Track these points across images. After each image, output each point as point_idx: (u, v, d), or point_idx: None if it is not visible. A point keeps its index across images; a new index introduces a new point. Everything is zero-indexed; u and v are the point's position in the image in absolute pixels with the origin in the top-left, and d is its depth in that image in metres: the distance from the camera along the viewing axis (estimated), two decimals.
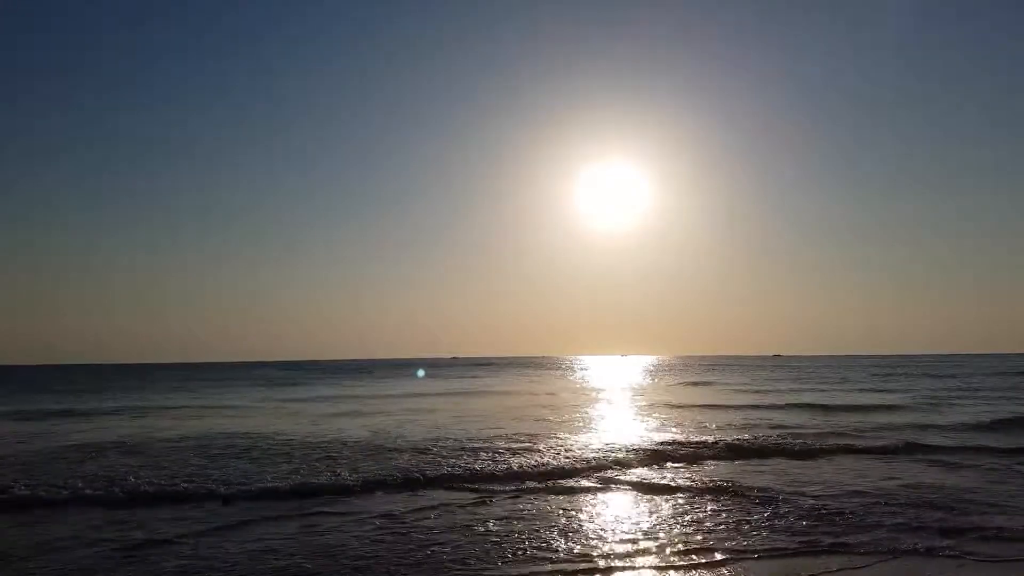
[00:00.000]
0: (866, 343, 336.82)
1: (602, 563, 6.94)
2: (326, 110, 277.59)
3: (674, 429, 18.52)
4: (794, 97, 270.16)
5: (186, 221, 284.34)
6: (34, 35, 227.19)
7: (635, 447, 14.55)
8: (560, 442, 15.65)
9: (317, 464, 12.86)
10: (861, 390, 36.77)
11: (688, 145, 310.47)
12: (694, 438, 16.22)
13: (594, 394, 34.86)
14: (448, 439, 16.25)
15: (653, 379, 55.22)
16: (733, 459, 13.73)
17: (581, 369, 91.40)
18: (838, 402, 28.04)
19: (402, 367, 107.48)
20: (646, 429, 18.77)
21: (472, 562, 6.98)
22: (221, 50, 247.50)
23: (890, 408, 25.18)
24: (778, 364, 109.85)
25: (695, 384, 46.14)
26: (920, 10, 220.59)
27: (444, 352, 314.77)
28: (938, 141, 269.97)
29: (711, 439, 15.96)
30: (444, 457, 13.50)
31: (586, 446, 14.96)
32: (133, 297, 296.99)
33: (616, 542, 7.68)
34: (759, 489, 10.43)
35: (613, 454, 13.81)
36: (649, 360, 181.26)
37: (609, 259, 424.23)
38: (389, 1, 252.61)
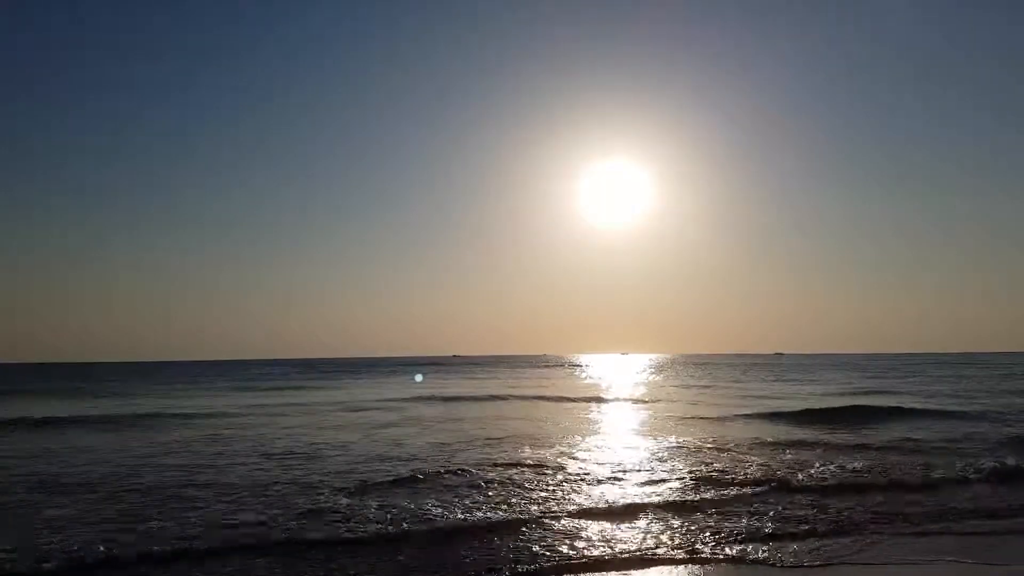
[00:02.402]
0: (868, 341, 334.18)
1: None
2: (328, 109, 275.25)
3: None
4: (796, 95, 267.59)
5: (188, 220, 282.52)
6: (35, 35, 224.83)
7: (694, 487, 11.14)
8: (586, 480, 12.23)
9: None
10: (896, 392, 33.49)
11: (689, 143, 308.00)
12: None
13: (611, 402, 31.08)
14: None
15: (666, 380, 51.82)
16: None
17: (584, 369, 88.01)
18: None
19: (401, 366, 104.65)
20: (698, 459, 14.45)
21: None
22: (221, 49, 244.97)
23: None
24: (786, 363, 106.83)
25: (716, 387, 42.68)
26: (921, 6, 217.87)
27: (445, 351, 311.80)
28: (939, 138, 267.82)
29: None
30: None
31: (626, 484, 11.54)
32: (133, 296, 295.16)
33: None
34: None
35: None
36: (651, 359, 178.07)
37: (610, 257, 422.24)
38: (390, 0, 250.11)
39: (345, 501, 9.57)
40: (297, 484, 10.88)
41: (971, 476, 11.37)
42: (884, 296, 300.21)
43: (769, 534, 7.99)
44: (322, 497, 9.84)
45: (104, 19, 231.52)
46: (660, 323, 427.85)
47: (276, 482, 11.08)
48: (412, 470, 11.96)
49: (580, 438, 16.89)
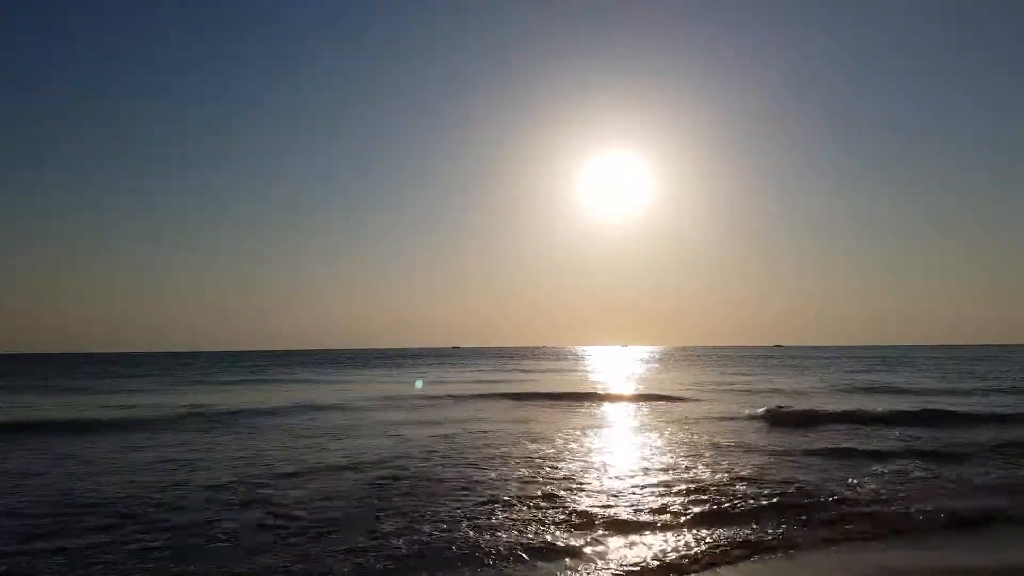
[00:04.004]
0: (866, 334, 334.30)
1: None
2: (329, 106, 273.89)
3: None
4: (797, 89, 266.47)
5: (192, 218, 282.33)
6: (36, 35, 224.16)
7: None
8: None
9: None
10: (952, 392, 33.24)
11: (690, 136, 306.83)
12: None
13: (625, 402, 29.14)
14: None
15: (674, 372, 51.43)
16: None
17: (586, 361, 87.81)
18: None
19: (402, 358, 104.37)
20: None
21: None
22: (221, 47, 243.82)
23: None
24: (786, 355, 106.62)
25: (723, 380, 42.19)
26: (923, 4, 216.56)
27: (445, 342, 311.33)
28: (938, 134, 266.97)
29: None
30: None
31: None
32: (137, 291, 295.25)
33: None
34: None
35: None
36: (651, 350, 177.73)
37: (610, 249, 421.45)
38: None
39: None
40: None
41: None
42: (882, 290, 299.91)
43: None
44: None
45: (103, 19, 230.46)
46: (660, 315, 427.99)
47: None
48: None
49: (594, 458, 14.06)
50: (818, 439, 16.69)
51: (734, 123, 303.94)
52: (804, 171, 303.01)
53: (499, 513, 9.35)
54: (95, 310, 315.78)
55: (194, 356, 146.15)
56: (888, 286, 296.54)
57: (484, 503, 9.90)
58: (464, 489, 10.89)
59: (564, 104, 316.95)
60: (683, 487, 10.88)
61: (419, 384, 38.80)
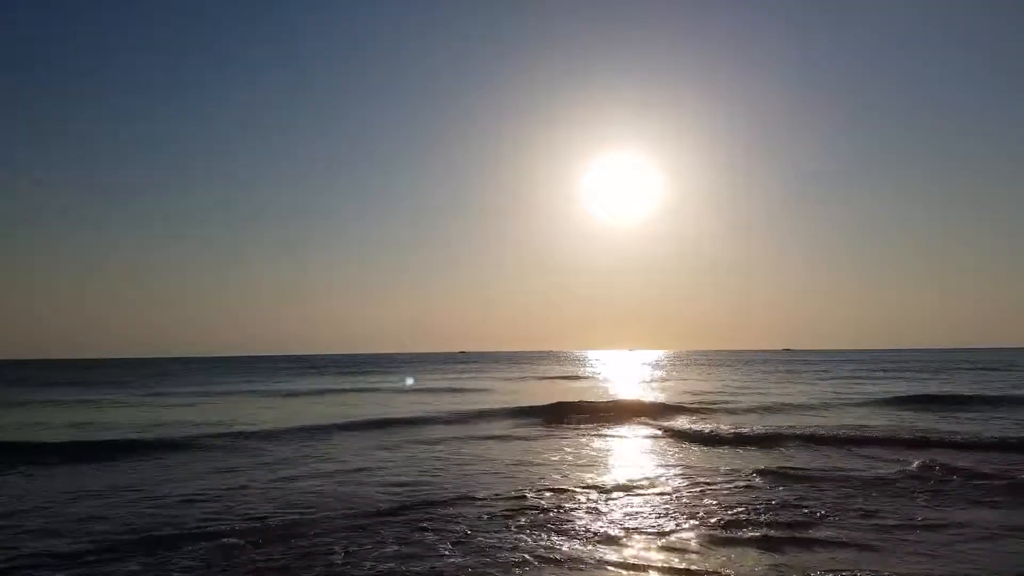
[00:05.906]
0: (874, 337, 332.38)
1: None
2: (329, 104, 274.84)
3: None
4: (804, 90, 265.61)
5: (197, 218, 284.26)
6: (35, 34, 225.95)
7: None
8: None
9: None
10: None
11: (697, 138, 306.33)
12: None
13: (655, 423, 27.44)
14: None
15: (692, 380, 50.23)
16: None
17: (595, 367, 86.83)
18: None
19: (406, 364, 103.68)
20: None
21: None
22: (222, 47, 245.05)
23: None
24: (798, 359, 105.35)
25: (749, 388, 40.88)
26: (925, 4, 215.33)
27: (451, 347, 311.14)
28: (943, 134, 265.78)
29: None
30: None
31: None
32: (137, 291, 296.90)
33: None
34: None
35: None
36: (659, 355, 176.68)
37: (617, 253, 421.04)
38: None
39: None
40: None
41: None
42: (892, 292, 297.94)
43: None
44: None
45: (103, 18, 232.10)
46: (667, 319, 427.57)
47: None
48: None
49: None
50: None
51: (742, 124, 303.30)
52: (814, 172, 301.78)
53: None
54: (95, 310, 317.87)
55: (198, 362, 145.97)
56: (894, 288, 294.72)
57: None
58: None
59: (571, 105, 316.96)
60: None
61: (409, 382, 37.93)
